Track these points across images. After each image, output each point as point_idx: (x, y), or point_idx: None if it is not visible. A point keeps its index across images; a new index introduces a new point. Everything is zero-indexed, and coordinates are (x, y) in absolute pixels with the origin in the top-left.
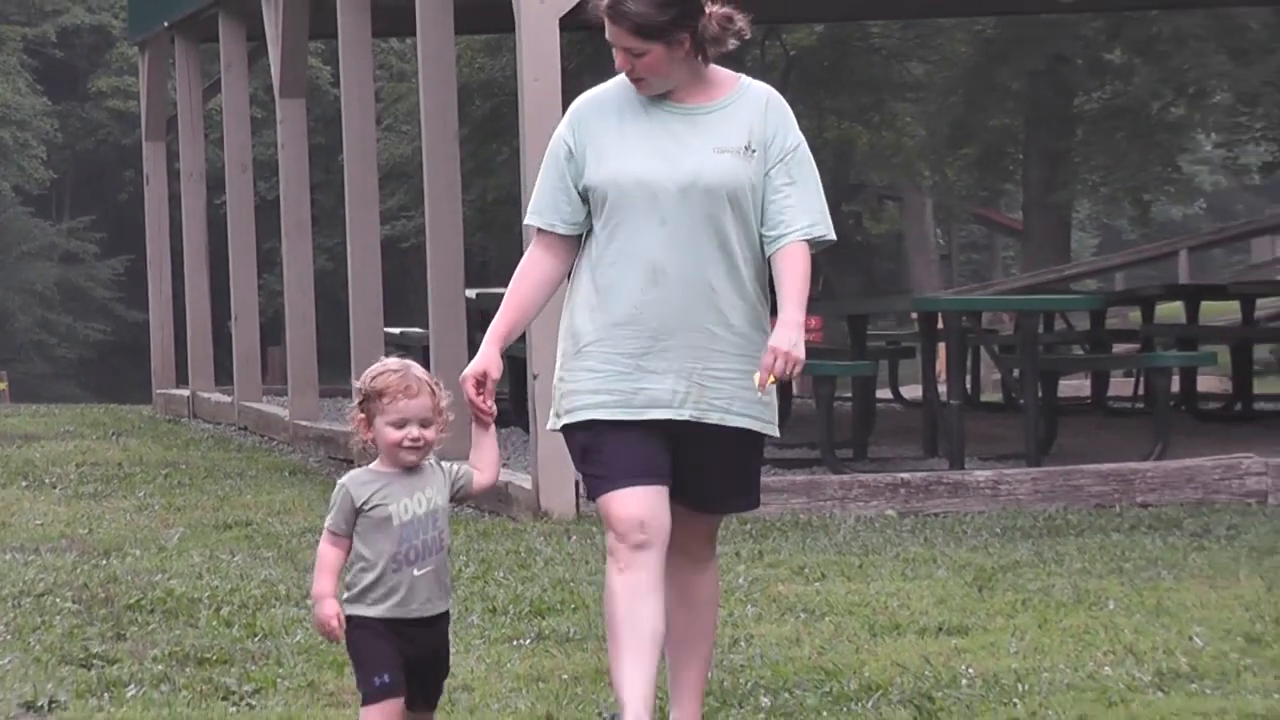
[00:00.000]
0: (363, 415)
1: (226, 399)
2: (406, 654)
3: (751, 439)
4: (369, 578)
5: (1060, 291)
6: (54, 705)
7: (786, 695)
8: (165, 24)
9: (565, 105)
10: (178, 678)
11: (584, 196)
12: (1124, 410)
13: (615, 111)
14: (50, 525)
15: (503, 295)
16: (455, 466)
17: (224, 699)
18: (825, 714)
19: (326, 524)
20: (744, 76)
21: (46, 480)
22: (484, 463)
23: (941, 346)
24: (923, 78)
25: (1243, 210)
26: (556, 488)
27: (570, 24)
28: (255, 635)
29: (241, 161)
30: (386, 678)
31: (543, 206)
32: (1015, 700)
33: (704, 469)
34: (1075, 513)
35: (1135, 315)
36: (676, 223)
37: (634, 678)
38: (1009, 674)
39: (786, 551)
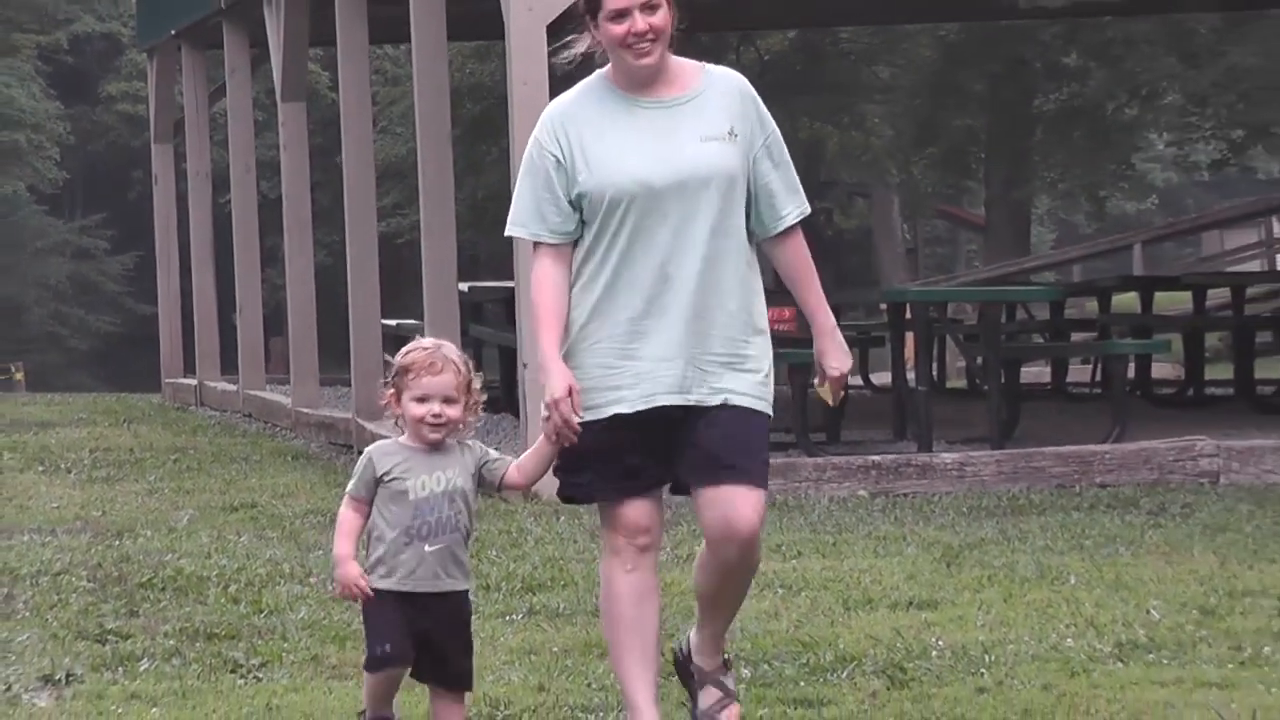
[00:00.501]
0: (392, 390)
1: (232, 387)
2: (419, 627)
3: (753, 415)
4: (382, 549)
5: (1021, 283)
6: (71, 678)
7: (766, 666)
8: (172, 31)
9: None
10: (188, 652)
11: (574, 203)
12: (1082, 395)
13: (594, 115)
14: (66, 508)
15: (489, 287)
16: (490, 455)
17: (232, 672)
18: (803, 684)
19: (348, 489)
20: (706, 64)
21: (62, 465)
22: (526, 466)
23: (909, 335)
24: (890, 80)
25: (1193, 205)
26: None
27: (557, 30)
28: (261, 611)
29: (245, 162)
30: (388, 647)
31: (526, 218)
32: (982, 670)
33: (717, 445)
34: (1037, 493)
35: (1092, 305)
36: (679, 215)
37: (644, 680)
38: (976, 645)
39: (764, 531)
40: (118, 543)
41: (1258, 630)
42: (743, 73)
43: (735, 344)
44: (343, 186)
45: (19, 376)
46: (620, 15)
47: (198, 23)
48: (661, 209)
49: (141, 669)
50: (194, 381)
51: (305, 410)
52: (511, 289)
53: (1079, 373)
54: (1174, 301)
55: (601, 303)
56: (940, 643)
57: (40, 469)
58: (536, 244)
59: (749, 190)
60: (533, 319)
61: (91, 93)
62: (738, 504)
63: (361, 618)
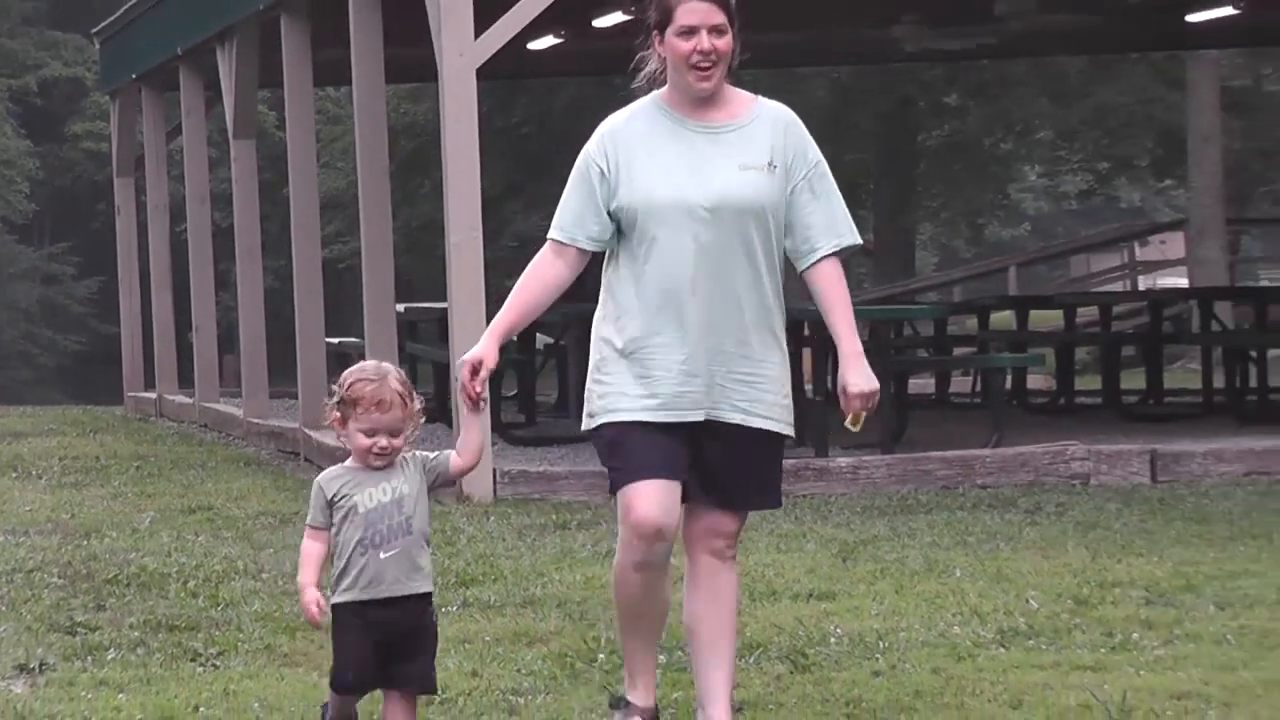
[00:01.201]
0: (338, 415)
1: (188, 400)
2: (381, 634)
3: (771, 439)
4: (342, 563)
5: (907, 302)
6: (44, 667)
7: (679, 653)
8: (133, 75)
9: (481, 145)
10: (151, 642)
11: (612, 215)
12: (964, 405)
13: (644, 134)
14: (37, 511)
15: (423, 308)
16: (429, 455)
17: (192, 660)
18: None
19: (307, 520)
20: (759, 97)
21: (33, 472)
22: (466, 447)
23: (807, 351)
24: None
25: (1062, 231)
26: (478, 476)
27: (484, 74)
28: (218, 605)
29: (200, 194)
30: (350, 676)
31: (568, 223)
32: (877, 655)
33: (727, 467)
34: (924, 493)
35: (972, 323)
36: (708, 238)
37: (644, 660)
38: (871, 633)
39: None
40: (85, 543)
41: (1127, 618)
42: None
43: (755, 363)
44: (289, 216)
45: None
46: (690, 32)
47: (157, 67)
48: (693, 229)
49: (109, 658)
50: (154, 395)
51: (256, 420)
52: (444, 309)
53: (961, 384)
54: (1046, 319)
55: (631, 315)
56: (838, 630)
57: (13, 475)
58: (550, 240)
59: (787, 220)
60: (509, 297)
61: (58, 131)
62: (719, 519)
63: (332, 639)
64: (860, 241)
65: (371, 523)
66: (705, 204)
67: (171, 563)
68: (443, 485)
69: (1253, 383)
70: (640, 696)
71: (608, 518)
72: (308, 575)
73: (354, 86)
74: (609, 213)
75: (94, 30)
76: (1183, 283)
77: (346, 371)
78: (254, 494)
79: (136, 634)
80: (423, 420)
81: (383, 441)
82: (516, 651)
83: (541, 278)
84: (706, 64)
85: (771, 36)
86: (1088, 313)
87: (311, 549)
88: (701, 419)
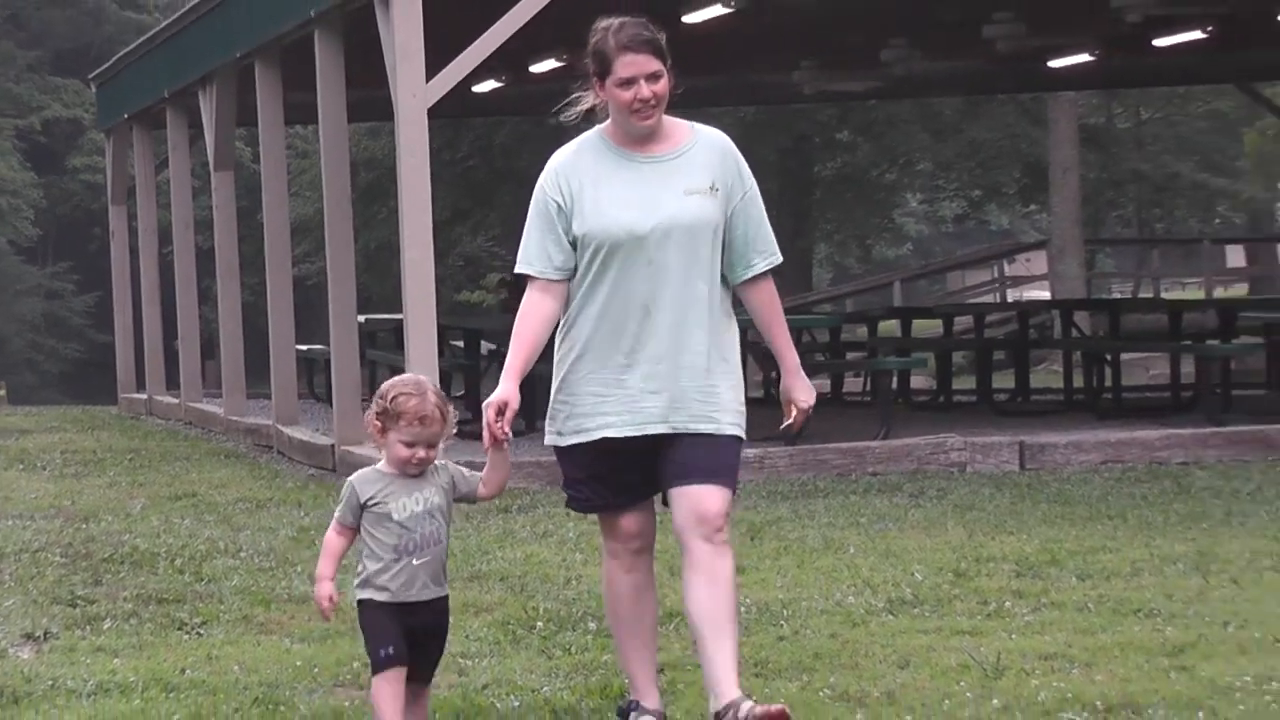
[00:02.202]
0: (378, 424)
1: (175, 400)
2: (409, 627)
3: (734, 441)
4: (375, 566)
5: (806, 313)
6: (48, 635)
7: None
8: (125, 115)
9: (431, 176)
10: (143, 613)
11: (573, 244)
12: (856, 402)
13: (592, 167)
14: (41, 498)
15: (381, 319)
16: (464, 472)
17: (179, 629)
18: None
19: (335, 515)
20: (696, 124)
21: (38, 464)
22: (492, 480)
23: None
24: None
25: (940, 251)
26: None
27: (435, 114)
28: (202, 580)
29: (185, 220)
30: (391, 649)
31: (532, 257)
32: (782, 622)
33: (695, 456)
34: (822, 480)
35: (863, 331)
36: (661, 260)
37: (644, 663)
38: (776, 603)
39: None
40: (84, 526)
41: (1000, 589)
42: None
43: (710, 375)
44: (264, 239)
45: (1, 393)
46: (628, 83)
47: (146, 108)
48: (645, 254)
49: (105, 627)
50: (144, 396)
51: (234, 418)
52: (400, 320)
53: (853, 384)
54: (928, 327)
55: (592, 337)
56: (747, 600)
57: (20, 467)
58: (530, 279)
59: (725, 239)
60: (512, 341)
61: (59, 165)
62: (704, 497)
63: (360, 629)
64: (781, 259)
65: (407, 531)
66: (655, 229)
67: (160, 543)
68: (466, 502)
69: (1108, 382)
70: (649, 700)
71: (543, 502)
72: (327, 568)
73: (320, 125)
74: (571, 241)
75: (91, 76)
76: (1045, 295)
77: (387, 384)
78: (233, 483)
79: (130, 606)
80: (454, 431)
81: (421, 453)
82: (464, 620)
83: (535, 317)
84: (648, 109)
85: (687, 80)
86: (963, 321)
87: (336, 543)
88: (666, 431)
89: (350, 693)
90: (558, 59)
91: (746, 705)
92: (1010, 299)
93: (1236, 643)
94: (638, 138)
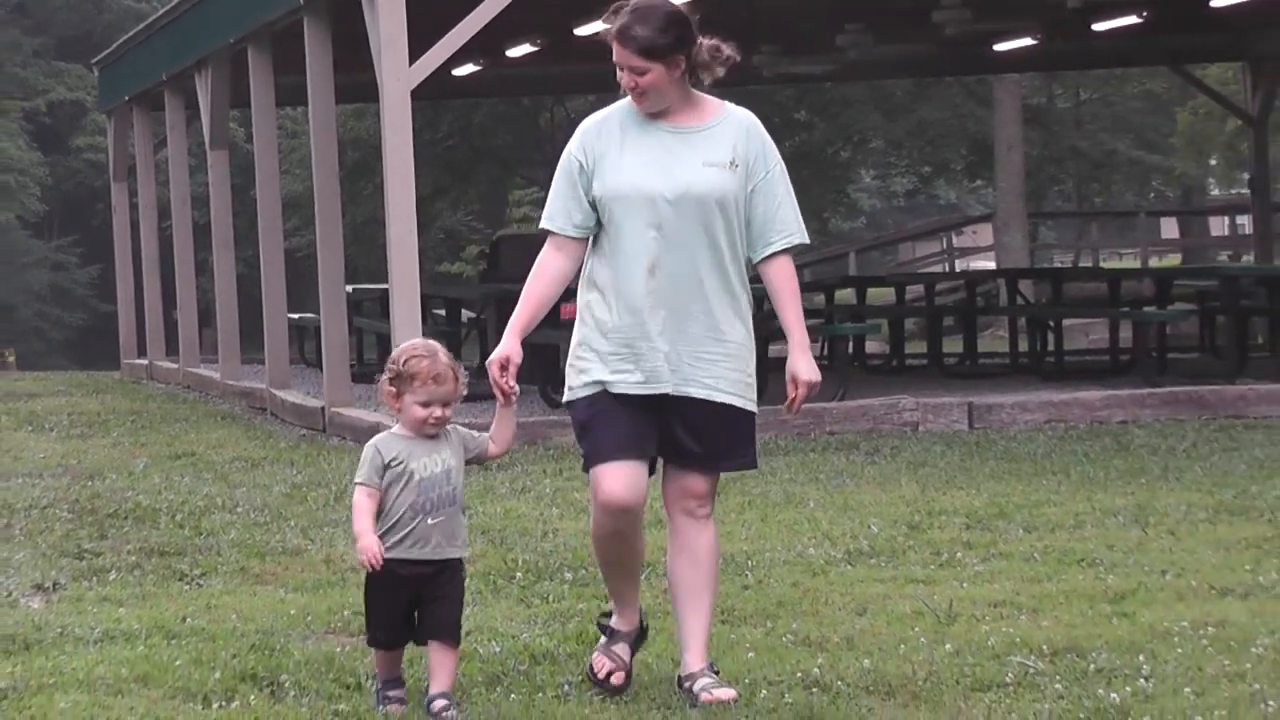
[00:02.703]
0: (393, 389)
1: (174, 366)
2: (415, 589)
3: (734, 411)
4: (391, 522)
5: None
6: (57, 586)
7: (583, 571)
8: (126, 98)
9: (416, 156)
10: (146, 565)
11: (593, 204)
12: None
13: (618, 131)
14: (49, 457)
15: (368, 289)
16: (472, 434)
17: (180, 580)
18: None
19: (359, 478)
20: (727, 103)
21: (46, 425)
22: (500, 436)
23: None
24: None
25: (892, 224)
26: None
27: (418, 95)
28: (201, 534)
29: (182, 196)
30: (381, 634)
31: (555, 213)
32: (747, 572)
33: (693, 435)
34: (783, 439)
35: (820, 298)
36: (671, 226)
37: (629, 596)
38: (741, 554)
39: (577, 469)
40: (90, 483)
41: (951, 540)
42: (554, 129)
43: (718, 343)
44: (257, 214)
45: (11, 359)
46: (619, 67)
47: (145, 90)
48: (656, 217)
49: (110, 578)
50: (145, 361)
51: (230, 382)
52: (385, 289)
53: (812, 349)
54: (881, 295)
55: (605, 294)
56: None
57: (29, 428)
58: (549, 235)
59: (746, 216)
60: (521, 298)
61: (64, 145)
62: (693, 478)
63: (364, 600)
64: (808, 240)
65: (424, 491)
66: (669, 195)
67: (161, 499)
68: (477, 463)
69: (1051, 347)
70: (624, 623)
71: (521, 461)
72: (364, 524)
73: (310, 106)
74: (590, 201)
75: (93, 60)
76: (991, 265)
77: (398, 350)
78: (229, 443)
79: (133, 558)
80: (465, 392)
81: (438, 412)
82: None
83: (546, 273)
84: (639, 94)
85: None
86: (914, 290)
87: (365, 503)
88: (669, 391)
89: (341, 639)
90: (532, 44)
91: (703, 682)
92: (958, 269)
93: (1174, 590)
94: (660, 111)
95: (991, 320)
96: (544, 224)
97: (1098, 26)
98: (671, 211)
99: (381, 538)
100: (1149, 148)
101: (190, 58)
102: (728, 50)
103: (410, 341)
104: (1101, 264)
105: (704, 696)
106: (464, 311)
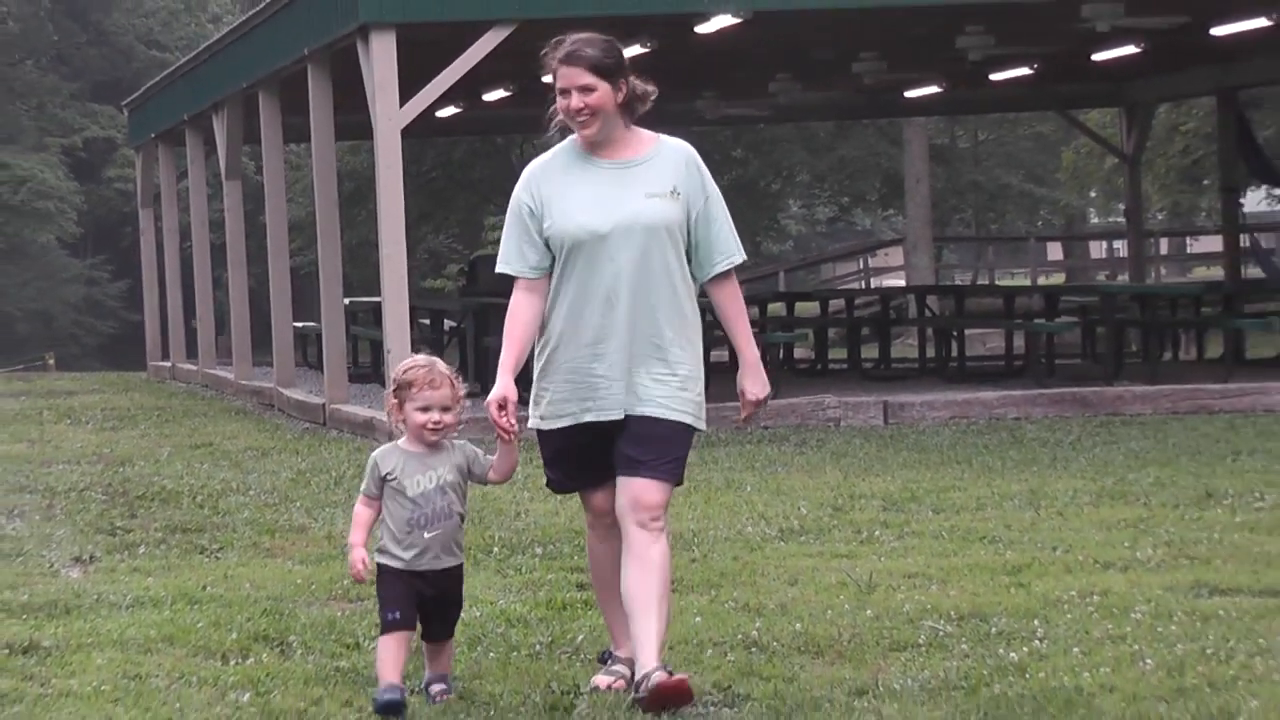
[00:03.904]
0: (395, 400)
1: (193, 367)
2: (421, 594)
3: (682, 429)
4: (388, 536)
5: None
6: (93, 559)
7: (552, 547)
8: (152, 135)
9: (406, 188)
10: (170, 541)
11: (547, 243)
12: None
13: (561, 172)
14: (86, 447)
15: (363, 301)
16: (478, 453)
17: (200, 553)
18: (576, 558)
19: (361, 489)
20: (662, 135)
21: (82, 419)
22: (500, 467)
23: None
24: None
25: (815, 247)
26: None
27: (407, 134)
28: (218, 514)
29: (201, 220)
30: (396, 614)
31: (510, 257)
32: (693, 548)
33: (644, 447)
34: (723, 433)
35: (755, 311)
36: (624, 257)
37: (622, 620)
38: (688, 532)
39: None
40: (121, 469)
41: (870, 520)
42: (522, 164)
43: (671, 365)
44: (265, 236)
45: (51, 362)
46: (564, 93)
47: (169, 129)
48: (608, 251)
49: (140, 552)
50: (169, 363)
51: (242, 382)
52: (378, 302)
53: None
54: (807, 309)
55: (564, 328)
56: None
57: (68, 421)
58: (515, 279)
59: (690, 241)
60: (504, 339)
61: (97, 176)
62: (645, 490)
63: (376, 591)
64: (745, 258)
65: (419, 506)
66: (617, 228)
67: (184, 483)
68: (477, 482)
69: (954, 353)
70: (623, 650)
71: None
72: (357, 536)
73: (312, 143)
74: (543, 241)
75: (123, 103)
76: (901, 282)
77: (399, 365)
78: (242, 434)
79: (159, 534)
80: (468, 404)
81: (436, 416)
82: None
83: (519, 315)
84: (583, 117)
85: None
86: (836, 304)
87: (363, 514)
88: (621, 417)
89: (342, 605)
90: (505, 89)
91: (655, 677)
92: (874, 285)
93: (1063, 564)
94: (599, 145)
95: (903, 330)
96: (500, 268)
97: (995, 76)
98: (621, 244)
99: (385, 548)
100: (1037, 182)
101: (208, 100)
102: (651, 86)
103: (412, 356)
104: (997, 282)
105: (652, 681)
106: (446, 321)
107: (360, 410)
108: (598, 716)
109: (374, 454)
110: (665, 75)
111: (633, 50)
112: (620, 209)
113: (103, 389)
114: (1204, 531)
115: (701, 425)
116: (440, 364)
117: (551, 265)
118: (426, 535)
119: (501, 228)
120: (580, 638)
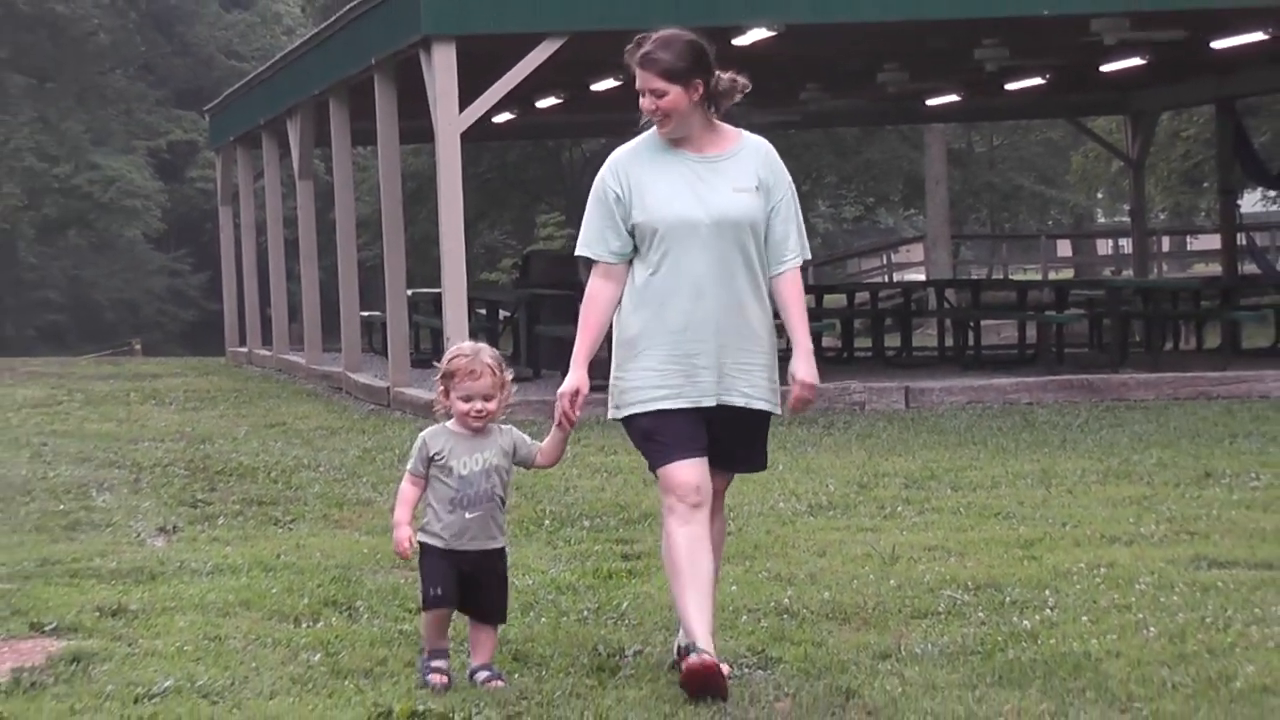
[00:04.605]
0: (442, 387)
1: (269, 353)
2: (463, 572)
3: (765, 417)
4: (431, 514)
5: None
6: (176, 529)
7: (599, 520)
8: (231, 138)
9: (464, 188)
10: (247, 513)
11: (630, 232)
12: (781, 358)
13: (649, 161)
14: (169, 426)
15: (424, 292)
16: (526, 439)
17: (274, 525)
18: (620, 530)
19: (407, 467)
20: (743, 131)
21: (166, 400)
22: (549, 452)
23: None
24: None
25: (842, 244)
26: None
27: (466, 138)
28: (291, 488)
29: (275, 218)
30: (439, 590)
31: (591, 240)
32: (730, 522)
33: (728, 439)
34: None
35: None
36: (713, 249)
37: (700, 614)
38: (725, 507)
39: (595, 439)
40: (202, 447)
41: (893, 496)
42: (572, 166)
43: (753, 354)
44: (335, 232)
45: (138, 347)
46: (641, 94)
47: (247, 132)
48: (699, 241)
49: (219, 523)
50: (245, 349)
51: (313, 366)
52: (438, 293)
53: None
54: (834, 301)
55: (652, 317)
56: None
57: (153, 403)
58: (594, 263)
59: (764, 234)
60: (579, 327)
61: (180, 176)
62: (715, 480)
63: (419, 568)
64: (810, 256)
65: (463, 488)
66: (708, 220)
67: (259, 460)
68: (523, 466)
69: (971, 342)
70: (704, 643)
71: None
72: (402, 514)
73: (378, 145)
74: (628, 230)
75: (205, 108)
76: (922, 277)
77: (446, 354)
78: (313, 415)
79: (237, 507)
80: (515, 389)
81: (478, 405)
82: None
83: (598, 303)
84: (657, 117)
85: (626, 114)
86: (862, 296)
87: (409, 492)
88: (714, 404)
89: (405, 573)
90: (556, 97)
91: (694, 656)
92: (896, 279)
93: (1073, 538)
94: (681, 140)
95: (923, 320)
96: (581, 250)
97: (1009, 86)
98: (712, 236)
99: (427, 526)
100: (1048, 183)
101: (282, 106)
102: (743, 80)
103: (459, 344)
104: (1010, 276)
105: (690, 660)
106: (501, 311)
107: (422, 393)
108: (641, 678)
109: (423, 434)
110: None
111: None
112: (710, 201)
113: (185, 372)
114: (1203, 508)
115: (778, 410)
116: (485, 353)
117: (630, 252)
118: (468, 516)
119: (552, 225)
120: (625, 604)
